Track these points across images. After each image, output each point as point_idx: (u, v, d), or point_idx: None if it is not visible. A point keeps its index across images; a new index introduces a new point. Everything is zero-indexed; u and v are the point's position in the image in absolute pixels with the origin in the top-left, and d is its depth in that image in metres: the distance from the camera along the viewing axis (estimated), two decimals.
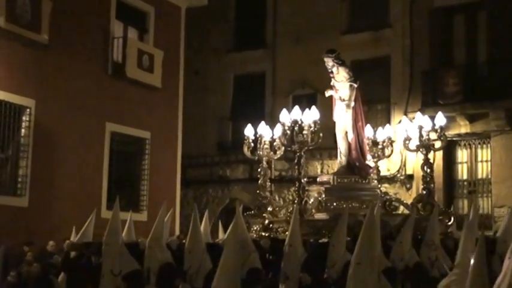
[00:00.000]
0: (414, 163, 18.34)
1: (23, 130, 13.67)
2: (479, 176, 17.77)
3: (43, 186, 13.79)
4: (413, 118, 17.96)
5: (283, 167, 20.13)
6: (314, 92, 19.99)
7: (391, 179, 18.71)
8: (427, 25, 18.47)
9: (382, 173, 18.92)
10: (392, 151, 10.74)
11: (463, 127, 17.65)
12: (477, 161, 17.81)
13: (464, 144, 17.94)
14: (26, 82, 13.73)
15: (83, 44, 15.10)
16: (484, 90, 16.99)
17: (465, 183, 17.95)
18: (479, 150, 17.79)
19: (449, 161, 18.07)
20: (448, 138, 18.01)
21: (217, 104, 21.03)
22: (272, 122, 10.48)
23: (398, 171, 18.63)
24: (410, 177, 18.38)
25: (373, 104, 19.09)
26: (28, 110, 13.74)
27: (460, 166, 18.08)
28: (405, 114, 18.55)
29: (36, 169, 13.74)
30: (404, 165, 18.59)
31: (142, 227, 10.19)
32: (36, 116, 13.85)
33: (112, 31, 15.97)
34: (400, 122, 18.76)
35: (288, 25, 20.51)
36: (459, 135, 17.77)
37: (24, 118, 13.71)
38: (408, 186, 18.41)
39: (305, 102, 20.08)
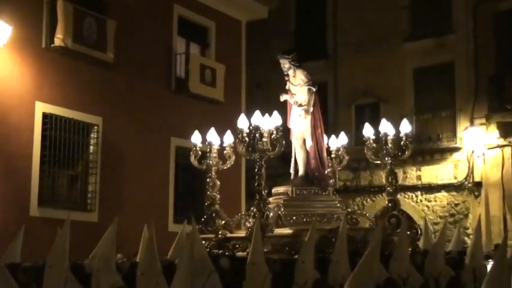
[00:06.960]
0: (482, 170, 17.97)
1: (91, 147, 13.98)
2: None
3: (112, 202, 14.07)
4: (480, 124, 17.99)
5: (348, 177, 20.01)
6: (377, 101, 19.87)
7: (458, 187, 18.39)
8: (492, 29, 18.11)
9: (449, 181, 18.83)
10: (347, 161, 9.45)
11: None
12: None
13: None
14: (93, 100, 14.07)
15: (146, 61, 15.39)
16: None
17: None
18: None
19: None
20: None
21: (280, 115, 21.03)
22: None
23: (465, 178, 18.27)
24: (478, 185, 18.00)
25: (438, 111, 18.82)
26: (96, 127, 14.06)
27: None
28: (471, 120, 18.25)
29: (104, 185, 14.03)
30: (472, 173, 18.22)
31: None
32: (104, 133, 14.15)
33: (174, 47, 16.23)
34: (466, 128, 18.67)
35: (349, 34, 20.43)
36: None
37: (92, 135, 14.03)
38: (476, 193, 18.02)
39: (368, 111, 20.09)
